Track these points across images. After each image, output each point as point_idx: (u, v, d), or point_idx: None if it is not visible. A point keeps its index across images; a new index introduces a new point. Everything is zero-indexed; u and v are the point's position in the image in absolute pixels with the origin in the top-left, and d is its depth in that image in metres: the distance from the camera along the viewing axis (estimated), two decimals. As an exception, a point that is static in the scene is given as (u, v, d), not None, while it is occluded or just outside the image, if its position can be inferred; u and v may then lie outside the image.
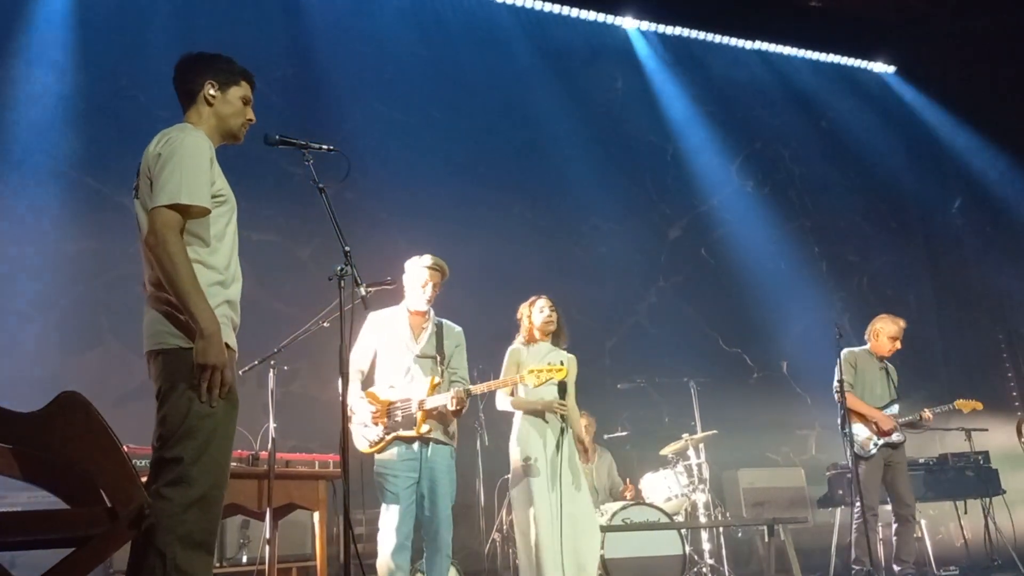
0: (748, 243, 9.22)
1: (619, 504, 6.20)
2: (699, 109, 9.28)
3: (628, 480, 6.83)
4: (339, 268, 3.06)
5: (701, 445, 7.04)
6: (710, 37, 9.45)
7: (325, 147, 3.18)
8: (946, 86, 9.80)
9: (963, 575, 7.06)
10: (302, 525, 5.23)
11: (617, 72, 9.07)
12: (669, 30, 9.26)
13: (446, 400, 4.12)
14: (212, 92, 2.73)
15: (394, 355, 4.36)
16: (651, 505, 6.35)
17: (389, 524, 4.10)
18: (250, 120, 2.83)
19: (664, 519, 6.17)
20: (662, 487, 6.70)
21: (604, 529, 5.64)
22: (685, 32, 9.34)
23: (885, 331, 6.17)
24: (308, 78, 7.65)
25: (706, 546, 6.80)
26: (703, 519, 6.75)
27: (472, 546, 5.90)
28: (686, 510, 6.87)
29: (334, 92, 7.61)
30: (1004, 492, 7.20)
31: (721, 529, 6.86)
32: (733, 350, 8.89)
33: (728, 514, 7.06)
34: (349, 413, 4.16)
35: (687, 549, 6.39)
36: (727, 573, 6.62)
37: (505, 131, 8.29)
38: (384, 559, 4.08)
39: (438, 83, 8.20)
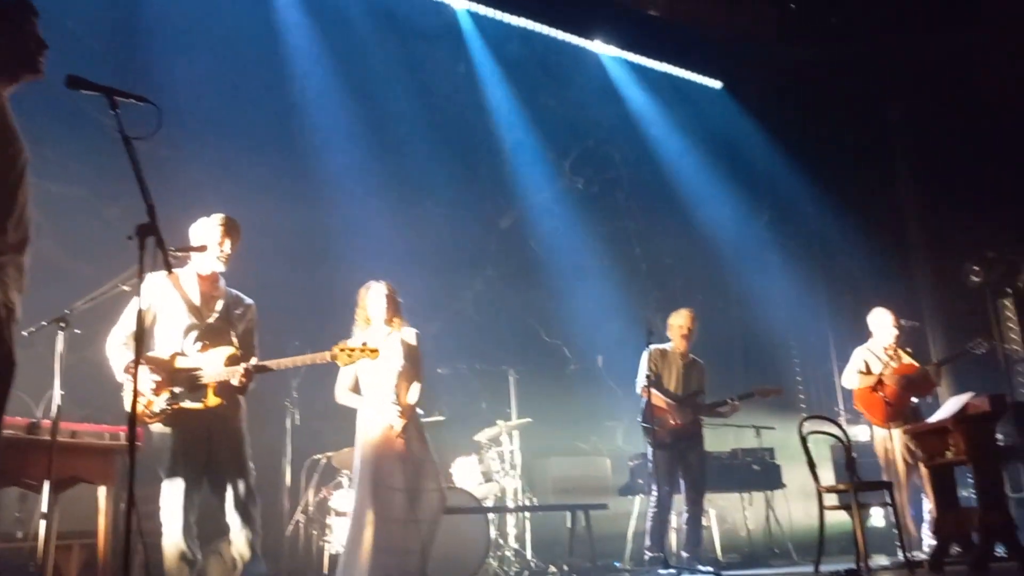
0: (575, 238, 9.47)
1: (429, 487, 6.21)
2: (537, 103, 9.41)
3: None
4: (139, 226, 2.84)
5: (515, 432, 7.18)
6: (553, 32, 9.58)
7: (133, 97, 2.94)
8: (765, 107, 10.45)
9: (744, 563, 7.60)
10: (89, 500, 4.88)
11: (459, 57, 9.03)
12: (513, 20, 9.28)
13: (237, 373, 3.95)
14: None
15: (179, 321, 4.10)
16: (461, 489, 6.42)
17: (175, 502, 3.89)
18: (41, 47, 2.60)
19: (473, 503, 6.26)
20: (473, 472, 6.79)
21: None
22: (528, 25, 9.41)
23: (674, 325, 6.57)
24: (133, 26, 7.10)
25: (512, 531, 6.96)
26: (511, 504, 6.90)
27: (275, 526, 5.71)
28: (495, 495, 6.99)
29: (159, 43, 7.11)
30: (785, 486, 7.82)
31: (527, 514, 7.04)
32: (554, 342, 9.11)
33: (535, 500, 7.24)
34: (122, 380, 3.92)
35: (493, 533, 6.51)
36: (529, 557, 6.80)
37: (339, 104, 8.02)
38: (172, 538, 3.87)
39: (274, 48, 7.82)
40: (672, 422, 6.26)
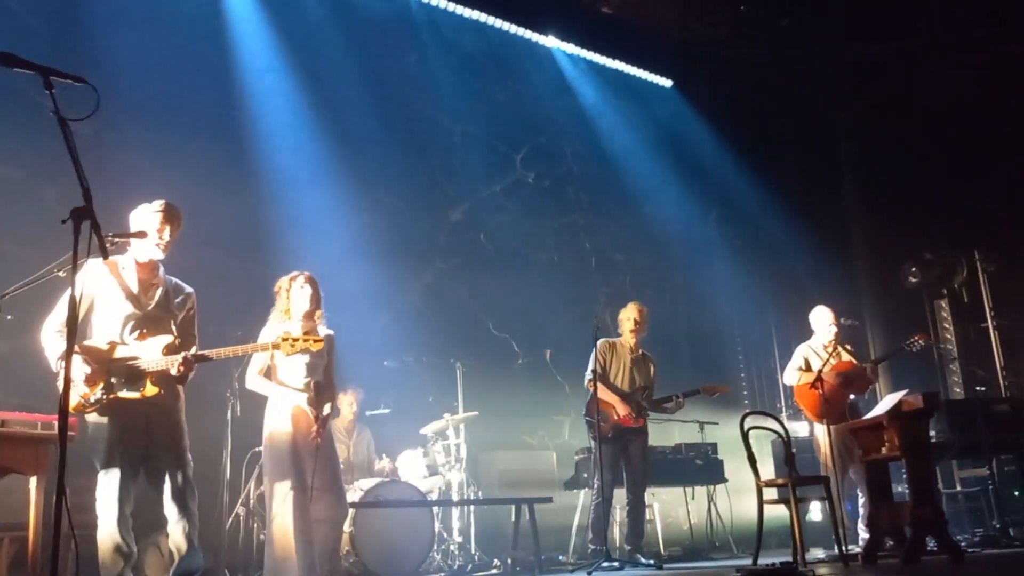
0: (525, 233, 9.49)
1: (374, 481, 6.18)
2: (489, 96, 9.39)
3: (384, 455, 6.82)
4: (74, 209, 2.76)
5: (461, 425, 7.18)
6: (506, 27, 9.55)
7: (70, 77, 2.86)
8: (715, 107, 10.58)
9: (686, 556, 7.70)
10: (20, 492, 4.74)
11: (411, 47, 8.96)
12: (466, 13, 9.23)
13: (176, 362, 3.88)
14: None
15: (117, 309, 4.02)
16: (406, 483, 6.40)
17: (110, 493, 3.80)
18: None
19: (417, 496, 6.24)
20: (419, 465, 6.77)
21: (355, 506, 5.61)
22: (482, 18, 9.36)
23: (624, 319, 6.63)
24: (76, 5, 6.89)
25: (456, 524, 6.95)
26: (456, 498, 6.89)
27: (214, 519, 5.62)
28: (440, 488, 6.99)
29: (103, 25, 6.90)
30: (727, 481, 7.95)
31: (472, 508, 7.04)
32: (502, 335, 9.11)
33: (480, 493, 7.25)
34: (57, 369, 3.82)
35: (437, 527, 6.50)
36: (473, 550, 6.81)
37: (287, 91, 7.88)
38: (107, 530, 3.78)
39: (221, 33, 7.63)
40: (616, 416, 6.31)
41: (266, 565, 4.36)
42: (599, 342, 6.48)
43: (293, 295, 4.64)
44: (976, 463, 7.77)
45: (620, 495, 6.63)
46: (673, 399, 6.52)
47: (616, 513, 7.06)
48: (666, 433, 8.13)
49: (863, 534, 6.15)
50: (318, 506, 4.40)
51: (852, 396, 6.55)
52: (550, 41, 10.01)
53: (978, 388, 9.03)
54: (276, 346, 4.05)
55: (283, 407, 4.51)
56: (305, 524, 4.30)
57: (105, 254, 2.87)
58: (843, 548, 5.51)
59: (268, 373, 4.64)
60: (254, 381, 4.61)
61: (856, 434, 5.76)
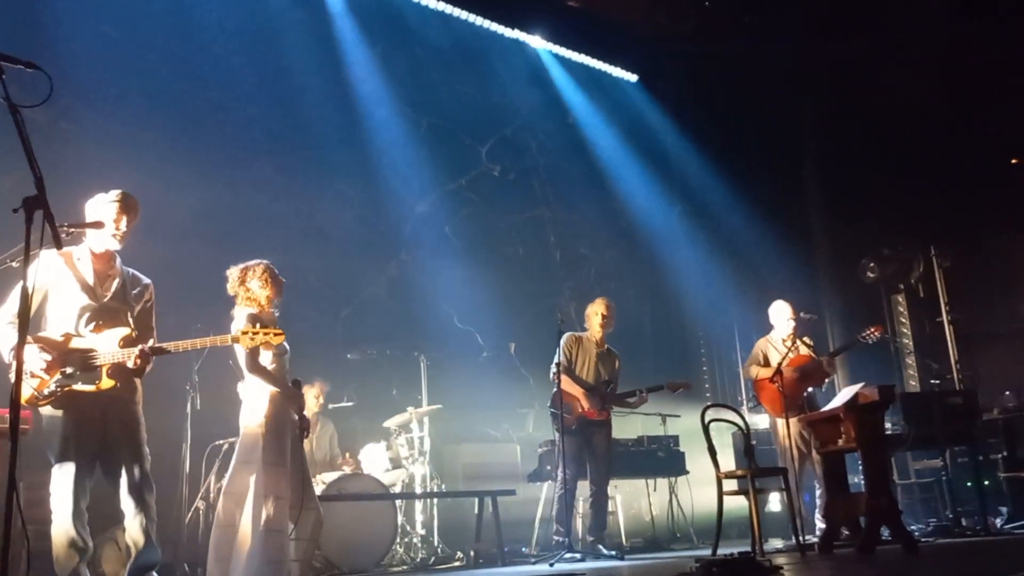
0: (490, 226, 9.48)
1: (336, 474, 6.16)
2: (455, 88, 9.35)
3: (348, 454, 6.77)
4: (27, 199, 2.70)
5: (425, 418, 7.17)
6: (472, 18, 9.51)
7: (21, 63, 2.79)
8: (680, 102, 10.65)
9: (647, 547, 7.78)
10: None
11: (376, 38, 8.88)
12: (432, 4, 9.18)
13: (133, 355, 3.83)
14: None
15: (72, 300, 3.95)
16: (369, 476, 6.38)
17: (65, 487, 3.75)
18: None
19: (380, 490, 6.23)
20: (382, 458, 6.75)
21: (318, 499, 5.57)
22: (448, 9, 9.31)
23: (591, 314, 6.68)
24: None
25: (419, 517, 6.95)
26: (419, 491, 6.89)
27: (173, 513, 5.56)
28: (404, 481, 6.98)
29: (58, 9, 6.76)
30: (688, 473, 8.03)
31: (435, 500, 7.04)
32: (467, 328, 9.10)
33: (444, 486, 7.25)
34: (9, 360, 3.74)
35: (400, 519, 6.50)
36: (436, 542, 6.81)
37: (250, 77, 7.75)
38: (61, 525, 3.72)
39: (180, 20, 7.49)
40: (580, 409, 6.34)
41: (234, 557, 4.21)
42: (565, 336, 6.52)
43: (273, 285, 4.48)
44: (930, 454, 7.94)
45: (583, 487, 6.67)
46: (637, 394, 6.58)
47: (579, 505, 7.11)
48: (629, 425, 8.18)
49: (820, 524, 6.26)
50: (304, 525, 4.28)
51: (811, 389, 6.65)
52: (516, 34, 9.99)
53: (933, 381, 9.22)
54: (235, 339, 4.00)
55: (280, 402, 4.40)
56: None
57: (59, 244, 2.81)
58: (800, 538, 5.61)
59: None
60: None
61: (814, 426, 5.86)
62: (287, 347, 4.53)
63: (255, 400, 4.33)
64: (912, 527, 6.75)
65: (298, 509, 4.23)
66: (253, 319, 4.25)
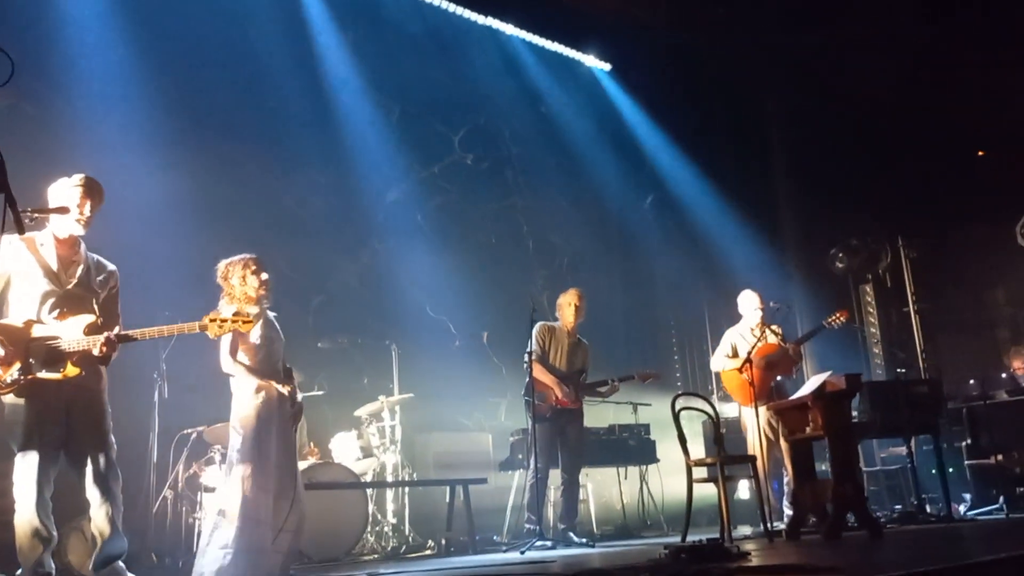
0: (463, 215, 9.44)
1: (307, 463, 6.13)
2: (428, 76, 9.28)
3: (312, 443, 6.70)
4: (-13, 183, 2.64)
5: (397, 407, 7.15)
6: (446, 5, 9.44)
7: (-18, 44, 2.73)
8: (651, 91, 10.67)
9: (618, 534, 7.83)
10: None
11: (348, 25, 8.79)
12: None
13: (97, 342, 3.78)
14: None
15: (35, 287, 3.89)
16: (339, 464, 6.36)
17: (28, 477, 3.70)
18: None
19: (351, 479, 6.20)
20: (353, 447, 6.72)
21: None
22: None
23: (563, 303, 6.70)
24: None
25: (391, 506, 6.94)
26: (391, 479, 6.87)
27: (140, 502, 5.50)
28: (375, 470, 6.95)
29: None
30: (659, 461, 8.09)
31: (406, 489, 7.03)
32: (439, 317, 9.07)
33: (415, 475, 7.24)
34: None
35: (371, 508, 6.48)
36: (407, 531, 6.81)
37: (219, 62, 7.62)
38: (25, 515, 3.67)
39: (148, 1, 7.38)
40: (554, 398, 6.36)
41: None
42: (538, 325, 6.54)
43: (260, 280, 4.42)
44: (896, 442, 8.06)
45: (555, 475, 6.69)
46: (608, 383, 6.61)
47: (551, 493, 7.13)
48: (600, 414, 8.21)
49: (788, 511, 6.33)
50: (293, 517, 4.28)
51: (779, 377, 6.72)
52: (490, 21, 9.93)
53: (899, 370, 9.37)
54: (203, 327, 3.94)
55: (264, 393, 4.36)
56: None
57: (21, 229, 2.77)
58: (768, 525, 5.67)
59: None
60: (231, 365, 4.41)
61: (782, 414, 5.92)
62: (282, 335, 4.51)
63: (240, 392, 4.33)
64: (877, 513, 6.85)
65: (288, 501, 4.23)
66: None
